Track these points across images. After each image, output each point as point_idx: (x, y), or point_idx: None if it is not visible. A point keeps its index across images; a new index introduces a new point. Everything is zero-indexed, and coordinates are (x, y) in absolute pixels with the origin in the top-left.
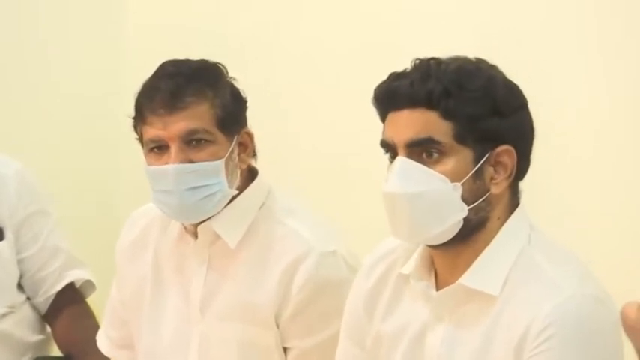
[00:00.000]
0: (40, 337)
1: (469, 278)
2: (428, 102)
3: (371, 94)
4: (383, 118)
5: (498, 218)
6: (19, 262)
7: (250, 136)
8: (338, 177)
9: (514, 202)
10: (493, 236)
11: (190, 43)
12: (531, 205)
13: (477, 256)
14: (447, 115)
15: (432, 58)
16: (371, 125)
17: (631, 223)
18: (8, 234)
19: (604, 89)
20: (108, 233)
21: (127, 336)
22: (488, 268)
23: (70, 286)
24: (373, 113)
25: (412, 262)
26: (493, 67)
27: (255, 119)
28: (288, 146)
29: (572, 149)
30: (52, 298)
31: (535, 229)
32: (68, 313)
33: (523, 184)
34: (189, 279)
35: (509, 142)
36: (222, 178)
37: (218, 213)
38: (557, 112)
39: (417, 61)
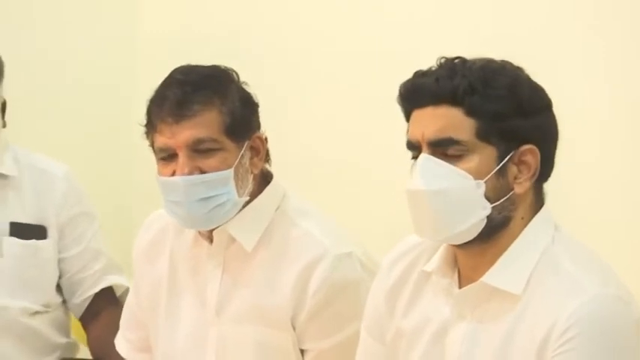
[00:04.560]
0: (66, 340)
1: (492, 277)
2: (452, 98)
3: (373, 97)
4: (407, 117)
5: (522, 218)
6: (60, 261)
7: (262, 140)
8: (340, 179)
9: (538, 203)
10: (516, 235)
11: (202, 47)
12: None
13: (500, 254)
14: (471, 112)
15: (458, 57)
16: (376, 128)
17: (633, 226)
18: (52, 233)
19: (605, 92)
20: (122, 236)
21: (145, 338)
22: (511, 267)
23: (108, 290)
24: (377, 116)
25: (435, 260)
26: (519, 68)
27: (262, 122)
28: (293, 150)
29: (574, 152)
30: (89, 300)
31: (559, 230)
32: (105, 317)
33: None
34: (205, 282)
35: (533, 142)
36: (232, 187)
37: (234, 218)
38: (559, 116)
39: (443, 60)
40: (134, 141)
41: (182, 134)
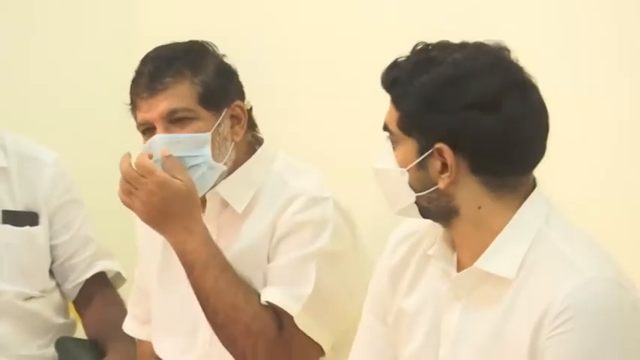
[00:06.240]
0: (64, 320)
1: (485, 262)
2: (387, 90)
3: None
4: None
5: (479, 207)
6: (52, 248)
7: (242, 108)
8: (341, 176)
9: (497, 193)
10: (486, 222)
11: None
12: None
13: (483, 239)
14: (394, 104)
15: (424, 45)
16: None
17: (631, 226)
18: (43, 219)
19: (605, 90)
20: (119, 222)
21: (148, 310)
22: (504, 251)
23: (100, 275)
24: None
25: (436, 243)
26: (463, 60)
27: (263, 115)
28: (294, 147)
29: (574, 152)
30: (81, 285)
31: (554, 211)
32: (97, 301)
33: None
34: None
35: (446, 140)
36: (207, 151)
37: (225, 180)
38: (558, 116)
39: (414, 47)
40: (131, 129)
41: (157, 107)
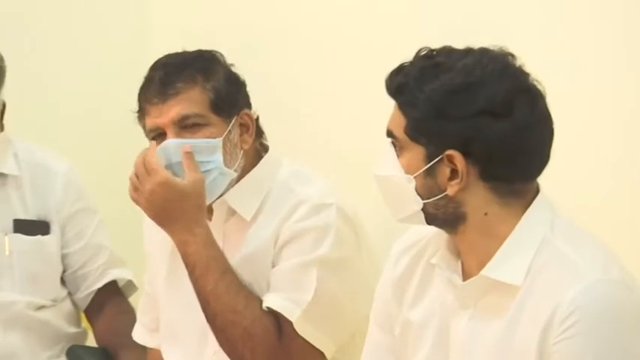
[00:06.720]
0: (76, 329)
1: (491, 270)
2: (393, 96)
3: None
4: None
5: (485, 214)
6: (63, 257)
7: (251, 117)
8: (347, 172)
9: (505, 199)
10: (490, 228)
11: (214, 42)
12: None
13: (489, 246)
14: (401, 111)
15: (430, 51)
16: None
17: (637, 227)
18: (55, 228)
19: (610, 91)
20: (129, 229)
21: (156, 318)
22: (510, 258)
23: (112, 284)
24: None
25: (440, 252)
26: (473, 67)
27: (272, 114)
28: (304, 143)
29: (578, 154)
30: (93, 294)
31: (558, 215)
32: (109, 310)
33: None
34: None
35: (458, 147)
36: (219, 156)
37: (232, 189)
38: (562, 117)
39: (421, 52)
40: (143, 136)
41: (168, 112)
